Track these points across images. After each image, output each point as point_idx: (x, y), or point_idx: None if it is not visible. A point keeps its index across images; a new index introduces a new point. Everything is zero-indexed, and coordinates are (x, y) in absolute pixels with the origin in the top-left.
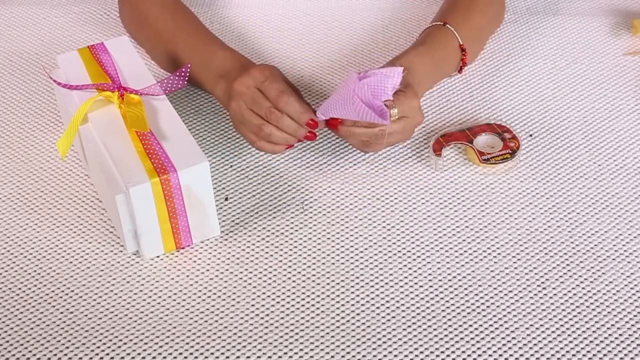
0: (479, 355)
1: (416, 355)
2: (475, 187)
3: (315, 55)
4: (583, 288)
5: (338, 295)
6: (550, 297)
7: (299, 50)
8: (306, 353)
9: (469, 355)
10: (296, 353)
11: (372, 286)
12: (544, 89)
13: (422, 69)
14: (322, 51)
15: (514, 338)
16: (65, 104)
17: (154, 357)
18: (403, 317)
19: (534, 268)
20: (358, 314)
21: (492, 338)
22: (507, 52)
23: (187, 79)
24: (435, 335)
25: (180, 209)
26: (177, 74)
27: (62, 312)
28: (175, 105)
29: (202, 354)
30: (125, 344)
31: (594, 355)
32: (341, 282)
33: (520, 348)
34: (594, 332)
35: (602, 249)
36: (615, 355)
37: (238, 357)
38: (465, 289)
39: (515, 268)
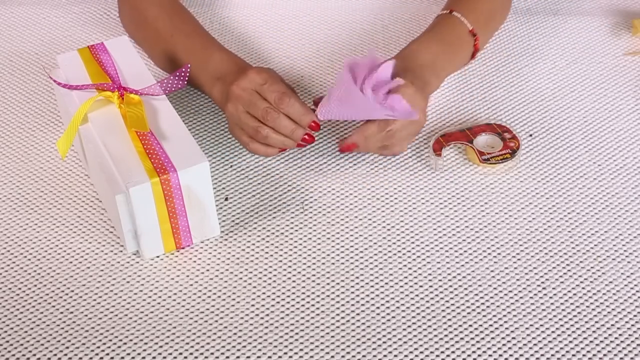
0: (479, 356)
1: (416, 356)
2: (475, 187)
3: (315, 55)
4: (583, 288)
5: (338, 295)
6: (550, 297)
7: (299, 50)
8: (306, 353)
9: (469, 356)
10: (296, 353)
11: (372, 286)
12: (544, 89)
13: (428, 55)
14: (322, 51)
15: (514, 338)
16: (65, 104)
17: (154, 357)
18: (403, 317)
19: (534, 268)
20: (358, 314)
21: (492, 338)
22: (507, 52)
23: (187, 79)
24: (435, 335)
25: (180, 209)
26: (177, 74)
27: (62, 312)
28: (175, 105)
29: (202, 354)
30: (125, 344)
31: (594, 355)
32: (341, 282)
33: (520, 348)
34: (594, 332)
35: (602, 249)
36: (615, 355)
37: (238, 357)
38: (465, 289)
39: (515, 268)
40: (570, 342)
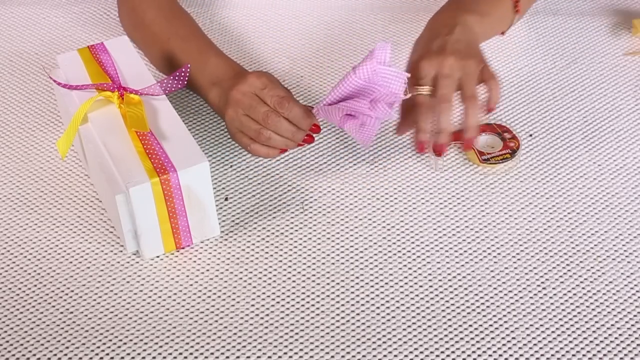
0: (479, 356)
1: (416, 356)
2: (475, 187)
3: (315, 55)
4: (583, 288)
5: (338, 295)
6: (550, 297)
7: (299, 50)
8: (306, 353)
9: (468, 356)
10: (296, 353)
11: (372, 286)
12: (544, 89)
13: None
14: (322, 51)
15: (514, 338)
16: (65, 104)
17: (154, 357)
18: (403, 317)
19: (534, 268)
20: (358, 314)
21: (492, 338)
22: (507, 52)
23: (187, 79)
24: (435, 335)
25: (180, 209)
26: (177, 74)
27: (62, 312)
28: (175, 105)
29: (202, 354)
30: (125, 344)
31: (594, 355)
32: (341, 282)
33: (520, 348)
34: (594, 332)
35: (602, 249)
36: (615, 355)
37: (238, 357)
38: (465, 289)
39: (515, 268)
40: (570, 342)
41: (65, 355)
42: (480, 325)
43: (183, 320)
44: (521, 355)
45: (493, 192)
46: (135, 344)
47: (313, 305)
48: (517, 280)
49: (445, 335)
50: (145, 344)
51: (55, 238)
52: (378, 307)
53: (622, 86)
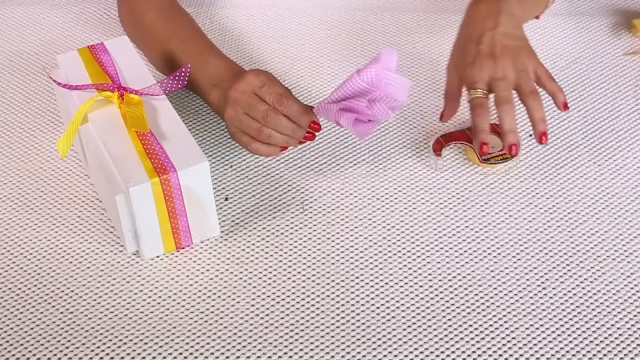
0: (479, 356)
1: (416, 356)
2: (475, 187)
3: (315, 55)
4: (583, 288)
5: (338, 295)
6: (550, 297)
7: (299, 50)
8: (306, 353)
9: (468, 356)
10: (296, 353)
11: (372, 286)
12: None
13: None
14: (322, 51)
15: (514, 338)
16: (65, 104)
17: (154, 357)
18: (403, 317)
19: (534, 268)
20: (358, 314)
21: (492, 338)
22: None
23: (187, 79)
24: (435, 335)
25: (180, 209)
26: (177, 74)
27: (62, 312)
28: (175, 105)
29: (202, 354)
30: (125, 344)
31: (594, 355)
32: (341, 282)
33: (520, 348)
34: (594, 332)
35: (602, 249)
36: (615, 355)
37: (238, 357)
38: (465, 289)
39: (515, 268)
40: (570, 342)
41: (65, 355)
42: (480, 325)
43: (183, 320)
44: (521, 355)
45: (493, 192)
46: (135, 344)
47: (313, 305)
48: (517, 280)
49: (445, 335)
50: (145, 344)
51: (55, 238)
52: (378, 307)
53: (622, 86)
